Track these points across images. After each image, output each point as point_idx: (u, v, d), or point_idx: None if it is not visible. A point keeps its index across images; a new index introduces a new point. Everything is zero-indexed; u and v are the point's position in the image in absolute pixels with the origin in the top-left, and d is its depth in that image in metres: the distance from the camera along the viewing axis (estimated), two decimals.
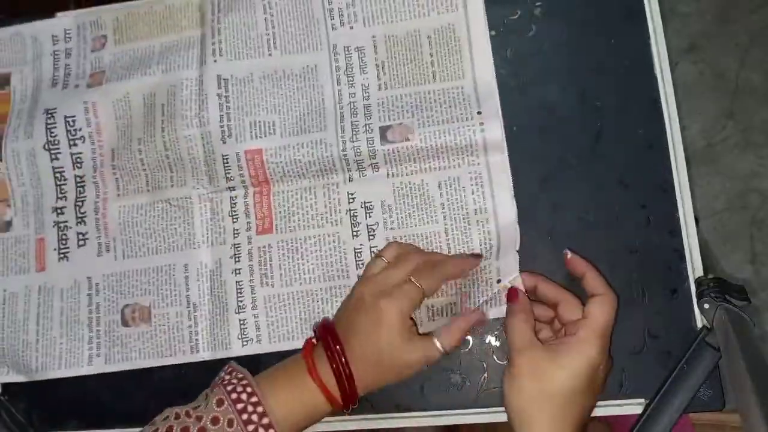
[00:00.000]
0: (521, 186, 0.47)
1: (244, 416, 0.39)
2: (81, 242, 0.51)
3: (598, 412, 0.44)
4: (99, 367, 0.49)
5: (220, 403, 0.39)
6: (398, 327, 0.41)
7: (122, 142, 0.52)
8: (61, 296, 0.51)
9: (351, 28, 0.50)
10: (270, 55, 0.51)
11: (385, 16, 0.50)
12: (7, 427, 0.50)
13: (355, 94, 0.49)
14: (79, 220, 0.51)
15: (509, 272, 0.45)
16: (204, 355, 0.48)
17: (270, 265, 0.48)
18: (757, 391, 0.35)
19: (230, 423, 0.39)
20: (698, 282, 0.44)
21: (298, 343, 0.47)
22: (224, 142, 0.50)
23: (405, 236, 0.47)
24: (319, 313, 0.48)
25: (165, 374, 0.49)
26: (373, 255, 0.47)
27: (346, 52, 0.50)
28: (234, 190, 0.50)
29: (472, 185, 0.47)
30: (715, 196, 0.45)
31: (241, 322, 0.48)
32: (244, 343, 0.48)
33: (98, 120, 0.52)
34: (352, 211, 0.48)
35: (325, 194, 0.49)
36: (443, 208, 0.47)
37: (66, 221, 0.52)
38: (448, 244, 0.47)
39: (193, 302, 0.49)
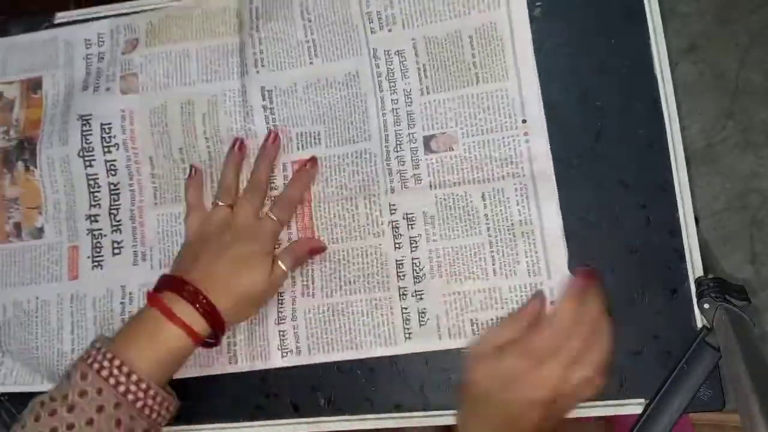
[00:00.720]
0: None
1: (112, 381, 0.39)
2: (116, 251, 0.51)
3: (598, 412, 0.44)
4: None
5: (83, 376, 0.39)
6: (261, 268, 0.43)
7: (161, 151, 0.51)
8: (93, 305, 0.50)
9: (390, 30, 0.50)
10: (311, 63, 0.50)
11: (424, 17, 0.49)
12: (6, 426, 0.49)
13: (397, 100, 0.49)
14: (115, 228, 0.51)
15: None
16: (242, 366, 0.48)
17: (311, 276, 0.48)
18: (757, 391, 0.35)
19: (99, 391, 0.39)
20: (698, 282, 0.44)
21: (339, 355, 0.47)
22: None
23: (448, 248, 0.47)
24: (359, 324, 0.47)
25: None
26: (414, 267, 0.47)
27: (387, 56, 0.50)
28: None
29: (516, 196, 0.47)
30: (715, 196, 0.45)
31: (281, 333, 0.48)
32: (284, 354, 0.47)
33: (133, 127, 0.51)
34: (393, 223, 0.48)
35: (366, 205, 0.48)
36: (487, 220, 0.47)
37: (100, 229, 0.51)
38: (493, 256, 0.46)
39: None
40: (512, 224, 0.46)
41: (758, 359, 0.38)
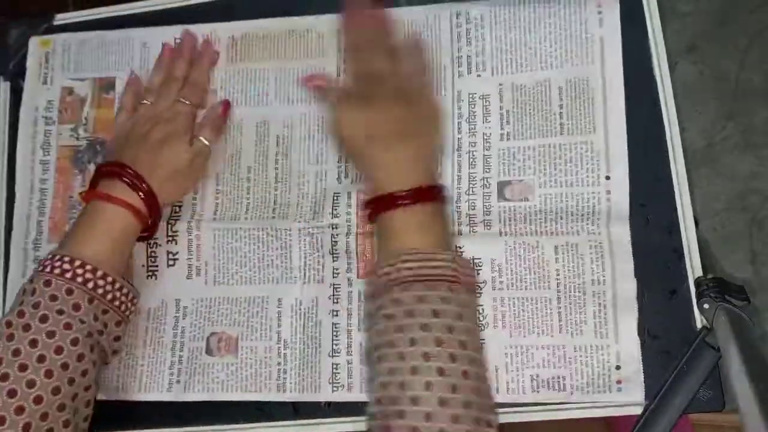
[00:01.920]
0: None
1: (79, 279, 0.41)
2: (171, 262, 0.50)
3: (597, 412, 0.43)
4: (178, 394, 0.47)
5: (47, 283, 0.40)
6: (180, 142, 0.47)
7: (229, 168, 0.51)
8: (147, 315, 0.49)
9: (479, 75, 0.49)
10: None
11: (515, 65, 0.49)
12: None
13: (475, 143, 0.48)
14: (170, 238, 0.50)
15: (630, 361, 0.43)
16: (291, 395, 0.46)
17: None
18: (756, 391, 0.35)
19: (69, 292, 0.40)
20: (698, 282, 0.44)
21: None
22: (339, 182, 0.49)
23: (513, 298, 0.46)
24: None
25: None
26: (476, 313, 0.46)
27: (470, 99, 0.49)
28: (336, 228, 0.48)
29: (591, 254, 0.45)
30: (714, 196, 0.45)
31: (334, 366, 0.46)
32: (335, 388, 0.46)
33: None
34: None
35: None
36: (558, 275, 0.45)
37: (156, 238, 0.50)
38: (560, 312, 0.45)
39: (284, 339, 0.47)
40: (584, 282, 0.45)
41: (758, 359, 0.38)
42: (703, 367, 0.42)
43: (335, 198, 0.49)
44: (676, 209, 0.45)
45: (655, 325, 0.44)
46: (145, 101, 0.50)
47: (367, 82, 0.45)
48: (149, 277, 0.50)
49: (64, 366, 0.39)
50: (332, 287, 0.48)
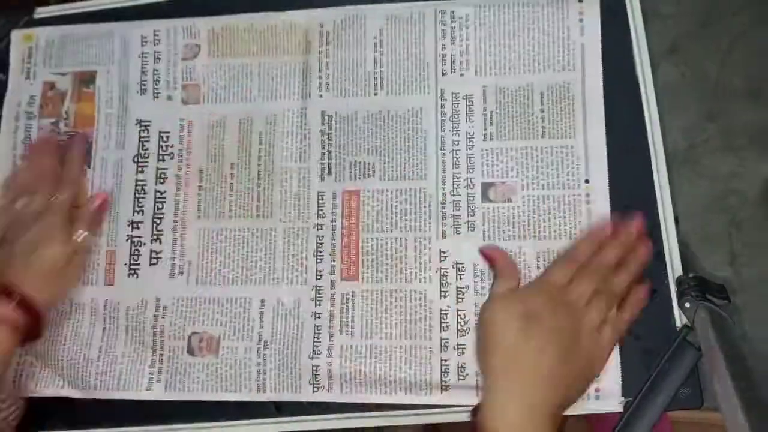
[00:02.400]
0: None
1: None
2: (153, 261, 0.50)
3: (578, 410, 0.43)
4: (158, 393, 0.47)
5: None
6: (57, 240, 0.46)
7: (213, 164, 0.50)
8: (126, 314, 0.49)
9: (462, 75, 0.49)
10: (376, 94, 0.49)
11: (498, 67, 0.48)
12: None
13: (458, 141, 0.48)
14: (155, 237, 0.50)
15: (610, 370, 0.43)
16: (271, 395, 0.46)
17: (352, 314, 0.47)
18: (737, 389, 0.35)
19: None
20: (679, 281, 0.44)
21: (371, 397, 0.46)
22: (322, 180, 0.48)
23: None
24: (395, 370, 0.46)
25: None
26: (458, 318, 0.45)
27: (454, 99, 0.48)
28: (321, 228, 0.48)
29: None
30: (695, 197, 0.46)
31: (314, 368, 0.46)
32: (315, 389, 0.46)
33: (191, 138, 0.51)
34: (442, 270, 0.46)
35: (416, 248, 0.47)
36: None
37: (140, 236, 0.50)
38: None
39: (265, 340, 0.47)
40: None
41: (739, 358, 0.38)
42: (684, 365, 0.42)
43: (320, 197, 0.48)
44: (657, 210, 0.45)
45: (635, 324, 0.44)
46: (17, 204, 0.48)
47: (552, 300, 0.40)
48: (130, 276, 0.50)
49: None
50: (315, 289, 0.47)
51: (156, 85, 0.52)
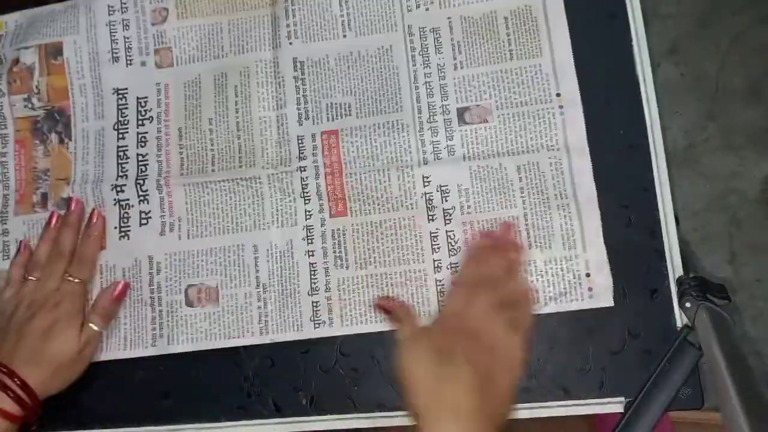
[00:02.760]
0: None
1: None
2: (143, 221, 0.50)
3: (579, 411, 0.44)
4: (162, 348, 0.48)
5: None
6: (69, 332, 0.44)
7: (190, 122, 0.51)
8: (123, 275, 0.49)
9: (427, 9, 0.50)
10: (345, 36, 0.50)
11: None
12: None
13: (431, 74, 0.49)
14: (142, 198, 0.50)
15: (599, 265, 0.45)
16: (274, 336, 0.47)
17: (344, 248, 0.48)
18: (737, 389, 0.35)
19: None
20: (679, 281, 0.44)
21: (370, 327, 0.47)
22: (300, 124, 0.49)
23: (483, 221, 0.47)
24: (393, 294, 0.47)
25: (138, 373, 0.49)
26: (448, 239, 0.47)
27: (422, 33, 0.50)
28: (305, 170, 0.49)
29: (551, 170, 0.47)
30: (695, 196, 0.46)
31: (314, 304, 0.47)
32: (316, 325, 0.47)
33: (168, 100, 0.51)
34: (427, 195, 0.48)
35: (399, 177, 0.48)
36: (522, 193, 0.47)
37: (127, 199, 0.50)
38: (527, 229, 0.46)
39: (263, 283, 0.48)
40: (547, 197, 0.46)
41: (739, 358, 0.38)
42: (685, 365, 0.42)
43: (300, 141, 0.49)
44: (657, 209, 0.45)
45: (636, 324, 0.45)
46: (31, 277, 0.46)
47: (456, 331, 0.40)
48: (122, 238, 0.50)
49: None
50: (305, 229, 0.48)
51: (128, 52, 0.53)
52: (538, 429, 0.47)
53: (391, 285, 0.47)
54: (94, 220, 0.49)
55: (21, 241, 0.50)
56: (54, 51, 0.53)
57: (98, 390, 0.48)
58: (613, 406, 0.44)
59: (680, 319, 0.44)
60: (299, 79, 0.50)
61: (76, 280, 0.46)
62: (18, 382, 0.41)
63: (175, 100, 0.51)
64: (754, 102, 0.47)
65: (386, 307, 0.45)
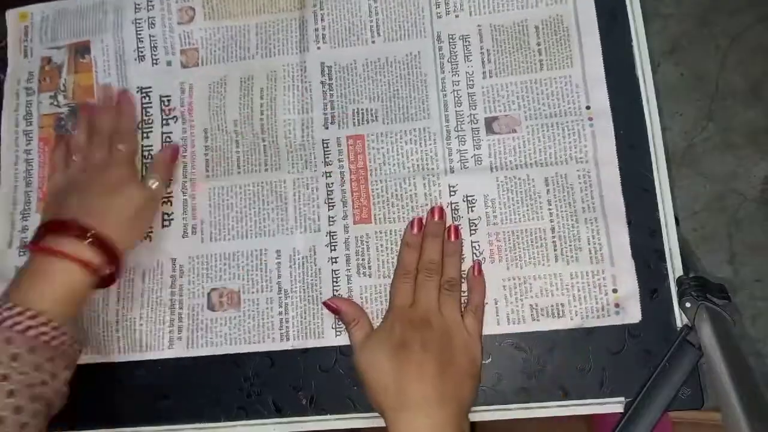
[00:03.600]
0: None
1: (19, 327, 0.38)
2: (165, 222, 0.50)
3: (579, 410, 0.44)
4: (180, 350, 0.48)
5: None
6: (129, 185, 0.46)
7: (215, 123, 0.50)
8: (143, 277, 0.49)
9: (456, 16, 0.50)
10: (373, 42, 0.50)
11: (491, 6, 0.49)
12: None
13: (459, 82, 0.49)
14: (165, 200, 0.50)
15: (626, 281, 0.44)
16: (295, 343, 0.47)
17: (368, 255, 0.47)
18: (737, 389, 0.35)
19: (8, 341, 0.37)
20: (679, 281, 0.44)
21: None
22: (326, 128, 0.49)
23: (508, 232, 0.46)
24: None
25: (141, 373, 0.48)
26: (473, 249, 0.46)
27: (450, 40, 0.49)
28: (330, 176, 0.49)
29: (580, 183, 0.46)
30: (695, 196, 0.46)
31: None
32: (338, 333, 0.47)
33: (191, 100, 0.51)
34: (453, 204, 0.47)
35: (425, 185, 0.48)
36: (549, 205, 0.46)
37: None
38: (555, 242, 0.46)
39: (285, 289, 0.48)
40: (575, 211, 0.46)
41: (739, 357, 0.38)
42: (685, 365, 0.42)
43: (325, 145, 0.49)
44: (657, 210, 0.45)
45: (636, 324, 0.44)
46: (75, 158, 0.48)
47: (408, 323, 0.41)
48: (144, 239, 0.50)
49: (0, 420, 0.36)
50: (329, 235, 0.48)
51: (154, 51, 0.53)
52: (537, 429, 0.48)
53: None
54: (124, 99, 0.50)
55: (57, 135, 0.51)
56: (82, 50, 0.53)
57: (98, 390, 0.48)
58: (613, 406, 0.44)
59: (680, 319, 0.44)
60: (326, 84, 0.50)
61: (123, 149, 0.47)
62: (93, 233, 0.42)
63: (198, 101, 0.51)
64: (753, 102, 0.46)
65: (336, 306, 0.45)
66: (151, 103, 0.52)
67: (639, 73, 0.47)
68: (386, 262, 0.47)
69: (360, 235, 0.48)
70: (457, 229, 0.46)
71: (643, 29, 0.47)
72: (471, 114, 0.48)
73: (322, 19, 0.51)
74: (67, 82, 0.53)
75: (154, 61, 0.52)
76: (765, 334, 0.42)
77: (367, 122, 0.49)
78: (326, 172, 0.49)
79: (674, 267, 0.45)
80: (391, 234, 0.47)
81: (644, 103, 0.47)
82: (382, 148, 0.48)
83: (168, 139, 0.51)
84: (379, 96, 0.49)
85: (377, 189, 0.48)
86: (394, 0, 0.51)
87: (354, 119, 0.49)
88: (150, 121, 0.51)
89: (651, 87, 0.47)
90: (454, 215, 0.47)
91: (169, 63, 0.52)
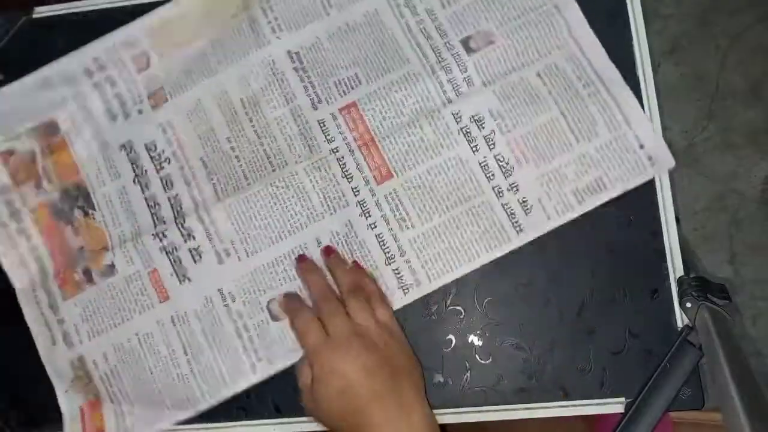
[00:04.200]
0: None
1: None
2: (196, 257, 0.49)
3: (579, 411, 0.44)
4: (265, 371, 0.46)
5: None
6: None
7: (209, 147, 0.50)
8: (197, 318, 0.48)
9: None
10: (328, 15, 0.50)
11: None
12: None
13: (422, 20, 0.49)
14: (186, 236, 0.49)
15: (648, 134, 0.45)
16: None
17: (403, 208, 0.47)
18: (738, 389, 0.35)
19: None
20: (680, 281, 0.44)
21: (459, 272, 0.46)
22: (316, 109, 0.49)
23: (524, 134, 0.47)
24: (468, 236, 0.46)
25: None
26: (498, 162, 0.47)
27: None
28: (338, 151, 0.48)
29: (569, 63, 0.47)
30: (695, 196, 0.46)
31: (395, 271, 0.46)
32: (405, 291, 0.46)
33: (177, 137, 0.50)
34: (464, 129, 0.48)
35: (430, 123, 0.48)
36: (551, 95, 0.47)
37: (173, 242, 0.49)
38: (569, 126, 0.47)
39: None
40: (576, 90, 0.47)
41: (739, 357, 0.38)
42: (685, 365, 0.42)
43: (322, 124, 0.49)
44: (658, 210, 0.46)
45: (636, 324, 0.45)
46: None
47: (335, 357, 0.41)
48: (182, 282, 0.48)
49: None
50: (359, 205, 0.48)
51: (123, 107, 0.51)
52: (537, 429, 0.48)
53: (463, 225, 0.46)
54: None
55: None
56: (51, 129, 0.52)
57: None
58: (614, 406, 0.44)
59: (681, 319, 0.44)
60: (300, 69, 0.50)
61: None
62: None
63: (185, 135, 0.50)
64: (753, 102, 0.46)
65: (288, 307, 0.46)
66: (138, 156, 0.50)
67: (639, 73, 0.47)
68: (424, 207, 0.47)
69: (387, 193, 0.47)
70: (328, 248, 0.47)
71: (643, 29, 0.47)
72: (445, 42, 0.49)
73: (271, 11, 0.51)
74: (47, 166, 0.51)
75: (126, 115, 0.51)
76: (765, 334, 0.42)
77: (353, 88, 0.49)
78: (332, 149, 0.48)
79: (675, 267, 0.45)
80: (416, 179, 0.47)
81: (645, 103, 0.47)
82: (376, 106, 0.49)
83: (169, 182, 0.50)
84: (354, 62, 0.50)
85: (387, 145, 0.48)
86: None
87: (339, 91, 0.49)
88: (144, 173, 0.50)
89: (651, 87, 0.47)
90: (468, 138, 0.47)
91: (140, 111, 0.51)
